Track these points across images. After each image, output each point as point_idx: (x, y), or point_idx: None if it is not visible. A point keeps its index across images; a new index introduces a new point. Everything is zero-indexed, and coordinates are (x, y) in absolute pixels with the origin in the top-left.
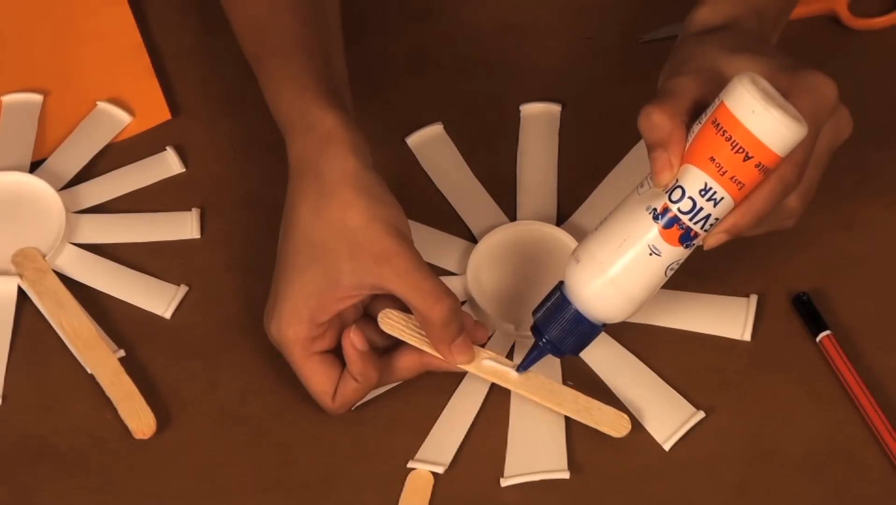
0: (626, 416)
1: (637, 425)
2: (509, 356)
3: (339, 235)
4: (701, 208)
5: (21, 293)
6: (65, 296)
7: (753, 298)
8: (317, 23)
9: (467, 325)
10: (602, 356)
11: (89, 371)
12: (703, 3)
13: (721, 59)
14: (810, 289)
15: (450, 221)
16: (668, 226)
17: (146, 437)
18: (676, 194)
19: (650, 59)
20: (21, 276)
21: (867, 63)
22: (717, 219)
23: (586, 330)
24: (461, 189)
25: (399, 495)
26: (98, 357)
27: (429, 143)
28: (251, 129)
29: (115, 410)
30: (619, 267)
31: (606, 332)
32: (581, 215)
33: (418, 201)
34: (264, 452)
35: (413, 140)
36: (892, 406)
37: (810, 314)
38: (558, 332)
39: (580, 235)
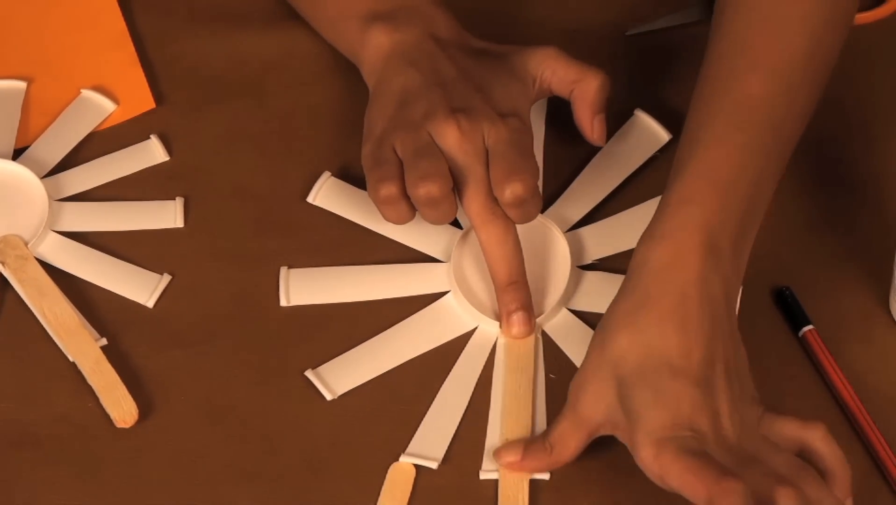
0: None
1: None
2: (491, 353)
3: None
4: None
5: (3, 280)
6: (47, 284)
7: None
8: None
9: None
10: (585, 351)
11: (71, 359)
12: (660, 237)
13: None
14: (792, 283)
15: None
16: None
17: (128, 426)
18: None
19: (636, 52)
20: (3, 263)
21: (853, 58)
22: None
23: None
24: None
25: (380, 487)
26: (80, 345)
27: None
28: (236, 118)
29: (96, 399)
30: None
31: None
32: (564, 203)
33: None
34: (246, 443)
35: None
36: (873, 400)
37: (792, 308)
38: None
39: (564, 223)
